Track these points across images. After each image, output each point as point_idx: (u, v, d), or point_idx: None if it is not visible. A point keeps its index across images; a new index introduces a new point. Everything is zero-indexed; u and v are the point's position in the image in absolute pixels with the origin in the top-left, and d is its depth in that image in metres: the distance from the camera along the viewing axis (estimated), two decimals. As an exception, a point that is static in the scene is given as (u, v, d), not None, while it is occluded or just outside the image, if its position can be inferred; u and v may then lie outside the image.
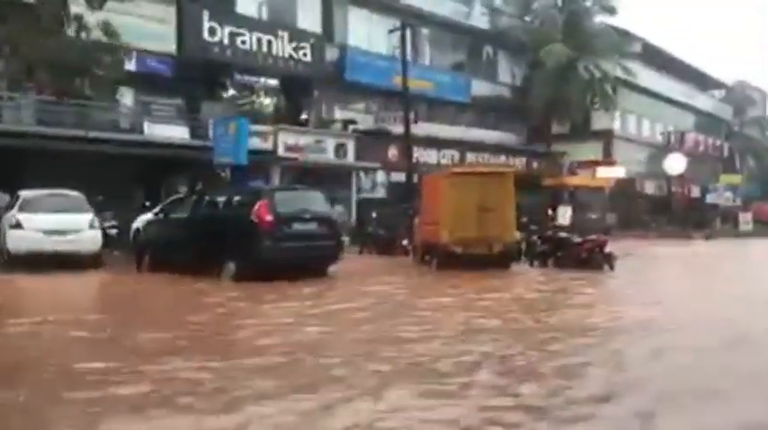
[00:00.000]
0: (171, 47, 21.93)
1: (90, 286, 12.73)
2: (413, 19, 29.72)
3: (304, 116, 26.47)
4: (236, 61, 23.56)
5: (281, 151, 23.22)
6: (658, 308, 9.24)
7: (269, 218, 12.05)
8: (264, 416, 4.37)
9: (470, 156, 30.78)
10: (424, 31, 31.28)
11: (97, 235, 14.90)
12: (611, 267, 14.66)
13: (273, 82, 25.05)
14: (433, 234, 15.27)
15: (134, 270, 14.40)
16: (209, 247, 12.52)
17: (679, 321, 8.18)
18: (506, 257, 15.06)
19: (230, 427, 4.21)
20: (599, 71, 34.65)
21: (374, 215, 22.07)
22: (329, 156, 24.87)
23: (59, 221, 14.14)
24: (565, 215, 32.05)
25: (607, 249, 14.78)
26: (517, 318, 8.47)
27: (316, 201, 13.03)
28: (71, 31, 17.90)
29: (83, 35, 18.28)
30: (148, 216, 16.59)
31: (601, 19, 35.88)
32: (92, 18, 17.75)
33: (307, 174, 24.93)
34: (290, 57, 24.82)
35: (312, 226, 12.60)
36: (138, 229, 17.29)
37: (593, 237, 15.19)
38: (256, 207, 12.10)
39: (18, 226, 14.07)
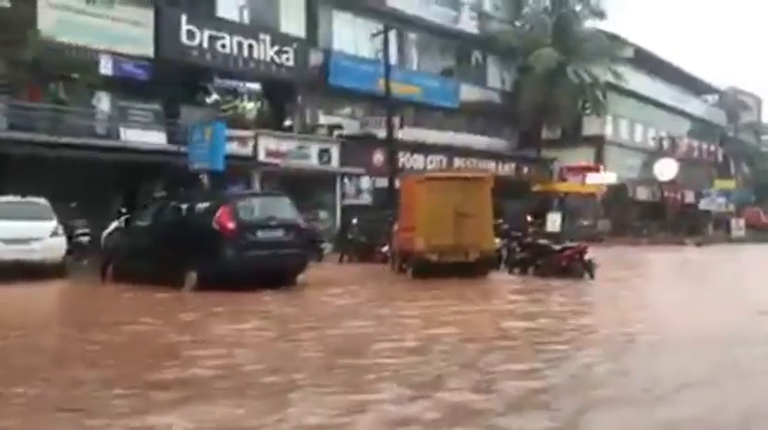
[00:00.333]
0: (148, 50, 21.46)
1: (35, 298, 12.07)
2: (399, 23, 29.43)
3: (288, 122, 26.01)
4: (216, 65, 23.12)
5: (261, 157, 22.77)
6: (629, 323, 8.71)
7: (231, 225, 11.59)
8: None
9: (458, 162, 30.37)
10: (411, 35, 30.91)
11: (61, 243, 14.44)
12: (592, 275, 14.22)
13: (255, 86, 24.63)
14: (409, 241, 14.81)
15: (98, 280, 13.93)
16: (171, 256, 12.05)
17: (649, 340, 7.57)
18: (484, 265, 14.61)
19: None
20: (589, 76, 34.28)
21: (354, 222, 21.61)
22: (313, 161, 24.43)
23: (20, 229, 13.66)
24: (554, 222, 31.80)
25: (587, 256, 14.32)
26: (473, 334, 7.74)
27: (282, 207, 12.55)
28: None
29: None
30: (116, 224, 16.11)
31: (591, 23, 35.55)
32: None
33: (290, 180, 24.53)
34: (273, 61, 24.36)
35: (278, 233, 12.14)
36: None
37: (573, 244, 14.75)
38: (218, 214, 11.65)
39: (-24, 234, 13.58)
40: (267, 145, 23.05)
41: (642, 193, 40.13)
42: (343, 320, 8.76)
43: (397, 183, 22.21)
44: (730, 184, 44.44)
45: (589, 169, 35.70)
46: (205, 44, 22.58)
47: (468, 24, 32.81)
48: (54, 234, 14.32)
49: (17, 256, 13.45)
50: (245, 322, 8.65)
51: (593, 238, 32.74)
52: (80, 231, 17.77)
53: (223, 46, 23.02)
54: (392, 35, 29.45)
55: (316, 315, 9.26)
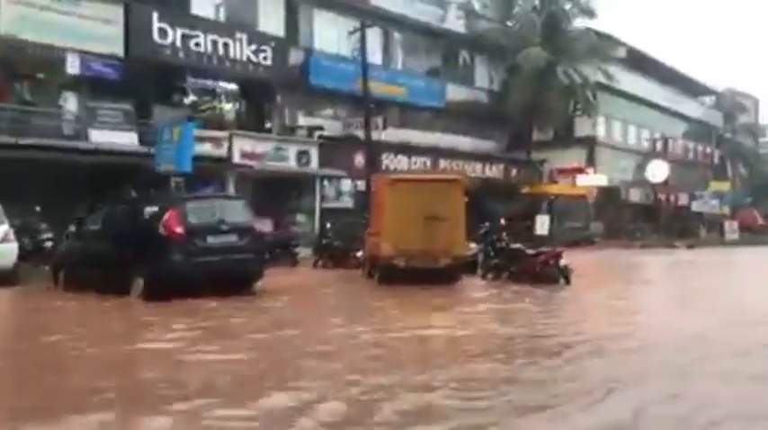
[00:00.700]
0: (118, 49, 20.80)
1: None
2: (383, 22, 28.84)
3: (269, 125, 25.35)
4: (190, 64, 22.44)
5: (236, 158, 22.09)
6: (581, 334, 8.03)
7: (178, 229, 10.93)
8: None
9: (444, 163, 29.68)
10: (396, 35, 30.26)
11: (12, 249, 13.78)
12: (568, 281, 13.56)
13: (231, 86, 23.97)
14: (377, 246, 14.14)
15: (51, 287, 13.27)
16: (119, 262, 11.42)
17: (612, 359, 6.87)
18: (455, 271, 13.94)
19: None
20: (579, 76, 33.61)
21: (329, 225, 20.95)
22: (290, 163, 23.76)
23: (-34, 235, 13.01)
24: (543, 224, 31.11)
25: (563, 261, 13.64)
26: (398, 361, 6.72)
27: (236, 210, 11.88)
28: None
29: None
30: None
31: (581, 22, 34.84)
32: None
33: (267, 183, 23.90)
34: (250, 60, 23.68)
35: (231, 238, 11.46)
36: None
37: (547, 248, 14.07)
38: (165, 218, 10.98)
39: None
40: (242, 146, 22.37)
41: (636, 196, 39.43)
42: (271, 336, 8.11)
43: (375, 186, 21.62)
44: (725, 186, 43.75)
45: (579, 171, 34.99)
46: (178, 42, 21.90)
47: (455, 23, 32.13)
48: (5, 239, 13.66)
49: (-37, 263, 12.79)
50: (168, 333, 8.04)
51: (584, 241, 32.15)
52: (44, 236, 17.14)
53: (197, 44, 22.34)
54: (376, 34, 28.97)
55: (248, 328, 8.56)
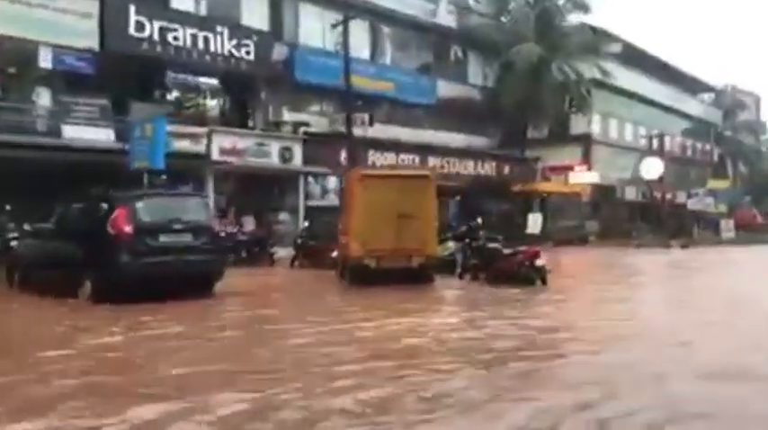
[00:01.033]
0: (93, 43, 20.28)
1: None
2: (372, 16, 28.30)
3: (251, 124, 24.80)
4: (169, 59, 21.91)
5: (215, 155, 21.55)
6: (568, 352, 7.41)
7: (127, 229, 10.37)
8: None
9: (433, 161, 29.12)
10: (385, 29, 29.66)
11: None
12: (544, 282, 12.99)
13: (211, 81, 23.43)
14: (347, 245, 13.58)
15: (6, 288, 12.75)
16: (72, 263, 10.90)
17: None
18: (428, 271, 13.37)
19: None
20: (573, 72, 32.98)
21: (306, 224, 20.40)
22: (273, 160, 23.20)
23: None
24: (536, 222, 30.55)
25: (540, 262, 13.05)
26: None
27: (192, 208, 11.31)
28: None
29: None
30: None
31: (575, 17, 34.19)
32: None
33: (248, 180, 23.40)
34: (231, 55, 23.12)
35: (185, 237, 10.90)
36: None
37: (524, 248, 13.48)
38: (113, 216, 10.43)
39: None
40: (222, 142, 21.83)
41: (632, 194, 38.77)
42: (208, 344, 7.55)
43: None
44: (723, 184, 43.05)
45: (569, 168, 34.38)
46: (156, 36, 21.37)
47: (447, 18, 31.58)
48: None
49: None
50: (93, 339, 7.53)
51: (578, 240, 31.56)
52: (10, 235, 16.64)
53: (176, 38, 21.80)
54: (363, 29, 28.44)
55: (177, 335, 7.98)
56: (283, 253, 19.65)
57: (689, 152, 48.57)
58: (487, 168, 31.68)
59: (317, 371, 5.96)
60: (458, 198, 31.05)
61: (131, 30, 20.86)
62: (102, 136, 20.43)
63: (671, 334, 8.13)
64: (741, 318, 9.37)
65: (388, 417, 4.62)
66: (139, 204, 10.73)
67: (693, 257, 23.80)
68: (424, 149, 29.00)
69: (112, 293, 10.12)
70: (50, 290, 11.02)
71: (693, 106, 49.76)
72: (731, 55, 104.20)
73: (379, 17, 28.86)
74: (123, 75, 21.06)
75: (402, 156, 27.92)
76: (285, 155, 23.51)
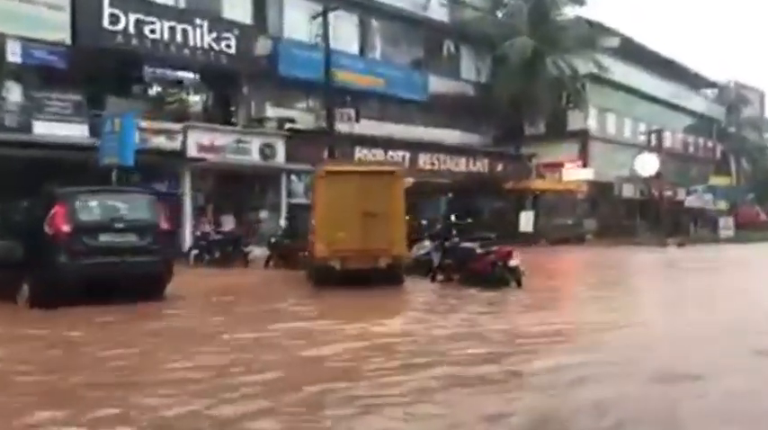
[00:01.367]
0: (65, 36, 19.67)
1: None
2: (360, 10, 27.71)
3: (235, 120, 24.17)
4: (145, 53, 21.28)
5: (192, 152, 20.91)
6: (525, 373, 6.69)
7: (65, 228, 9.76)
8: None
9: (423, 158, 28.51)
10: (374, 23, 28.97)
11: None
12: (519, 283, 12.30)
13: (186, 75, 22.80)
14: (312, 245, 12.94)
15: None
16: (11, 264, 10.31)
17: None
18: (396, 273, 12.71)
19: None
20: (569, 67, 32.22)
21: (281, 223, 19.75)
22: (253, 157, 22.55)
23: None
24: (528, 221, 29.86)
25: (513, 262, 12.36)
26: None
27: (139, 206, 10.66)
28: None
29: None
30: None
31: (570, 10, 33.39)
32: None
33: (229, 177, 22.80)
34: (211, 48, 22.49)
35: (129, 237, 10.26)
36: None
37: (496, 247, 12.78)
38: (51, 214, 9.81)
39: None
40: (199, 139, 21.19)
41: (631, 191, 37.93)
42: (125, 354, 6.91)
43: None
44: (725, 181, 42.13)
45: (561, 165, 33.62)
46: (131, 29, 20.75)
47: (439, 11, 30.88)
48: None
49: None
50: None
51: (575, 239, 30.80)
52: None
53: (152, 31, 21.17)
54: (352, 23, 27.82)
55: (105, 342, 7.37)
56: (261, 253, 19.02)
57: (691, 149, 47.68)
58: (480, 165, 30.99)
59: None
60: (449, 196, 30.44)
61: (105, 22, 20.25)
62: (76, 132, 19.83)
63: (629, 342, 7.45)
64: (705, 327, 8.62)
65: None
66: (79, 202, 10.10)
67: (688, 256, 23.03)
68: (415, 146, 28.33)
69: (50, 297, 9.52)
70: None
71: (696, 102, 48.84)
72: (735, 50, 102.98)
73: (368, 11, 28.24)
74: (98, 69, 20.44)
75: (391, 152, 27.22)
76: (266, 152, 22.87)
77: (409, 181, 28.89)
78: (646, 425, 4.57)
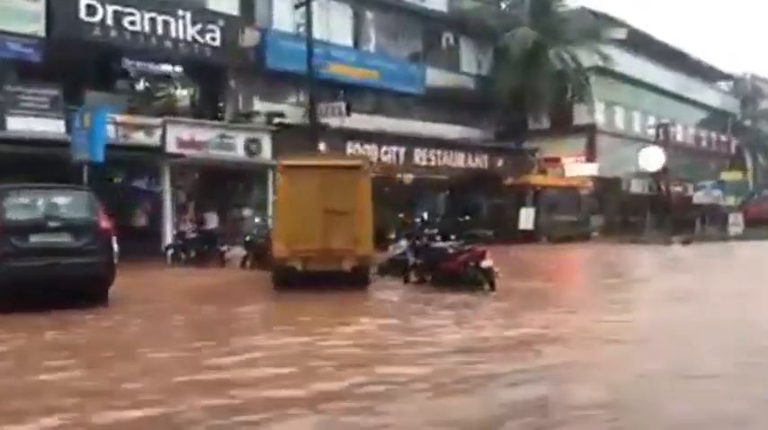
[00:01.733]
0: (39, 28, 19.05)
1: None
2: (353, 1, 26.88)
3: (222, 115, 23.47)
4: (125, 45, 20.61)
5: (172, 147, 20.23)
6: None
7: (-8, 228, 9.08)
8: None
9: (419, 153, 27.66)
10: (369, 14, 28.14)
11: None
12: (492, 286, 11.48)
13: (169, 68, 22.11)
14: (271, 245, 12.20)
15: None
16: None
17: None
18: (362, 274, 11.93)
19: None
20: (572, 59, 31.22)
21: (257, 221, 19.04)
22: (238, 152, 21.85)
23: None
24: (528, 218, 28.94)
25: (486, 263, 11.53)
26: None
27: (75, 204, 9.94)
28: None
29: None
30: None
31: (574, 1, 32.38)
32: None
33: (212, 174, 22.15)
34: (195, 40, 21.78)
35: (63, 238, 9.56)
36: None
37: (468, 247, 11.96)
38: (-25, 214, 9.14)
39: None
40: (179, 134, 20.49)
41: (638, 186, 36.83)
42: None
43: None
44: (736, 176, 40.83)
45: (557, 160, 32.63)
46: (109, 21, 20.07)
47: (437, 2, 29.96)
48: None
49: None
50: None
51: (579, 236, 29.79)
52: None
53: (132, 23, 20.48)
54: (345, 15, 27.06)
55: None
56: (241, 252, 18.30)
57: (704, 143, 46.45)
58: (479, 161, 30.07)
59: None
60: (447, 192, 29.63)
61: (82, 14, 19.59)
62: (52, 127, 19.22)
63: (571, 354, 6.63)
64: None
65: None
66: (8, 200, 9.42)
67: (691, 255, 22.02)
68: (410, 141, 27.50)
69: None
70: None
71: (709, 95, 47.53)
72: (750, 42, 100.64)
73: (361, 1, 27.43)
74: (76, 62, 19.86)
75: (385, 148, 26.49)
76: (252, 147, 22.14)
77: (409, 177, 28.40)
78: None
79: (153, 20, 20.94)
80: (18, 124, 18.79)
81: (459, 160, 29.24)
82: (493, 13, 31.42)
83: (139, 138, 19.93)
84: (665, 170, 32.95)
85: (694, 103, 44.69)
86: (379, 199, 26.12)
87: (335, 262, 11.63)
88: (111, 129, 19.26)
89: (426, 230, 12.95)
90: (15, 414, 4.73)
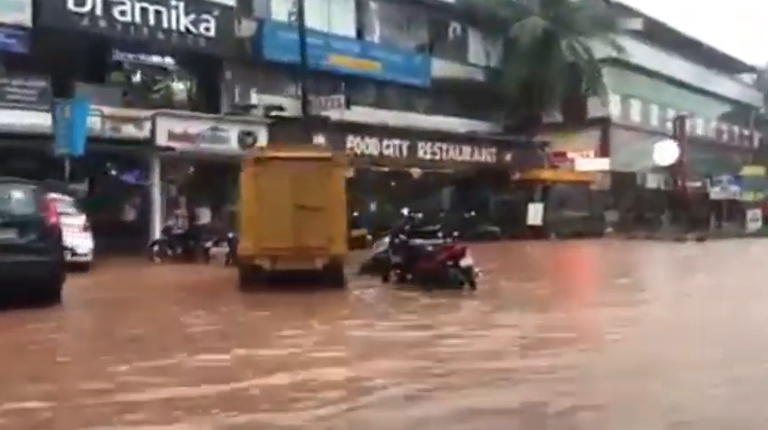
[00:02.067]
0: (25, 18, 18.59)
1: None
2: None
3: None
4: (115, 36, 20.11)
5: (162, 140, 19.70)
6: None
7: (-74, 224, 8.54)
8: None
9: (423, 147, 26.90)
10: (372, 4, 27.42)
11: None
12: (473, 286, 10.76)
13: (162, 60, 21.58)
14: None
15: None
16: None
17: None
18: (336, 274, 11.24)
19: None
20: (584, 50, 30.22)
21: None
22: (231, 145, 21.26)
23: None
24: (536, 214, 28.07)
25: (466, 261, 10.80)
26: None
27: (19, 199, 9.36)
28: None
29: None
30: None
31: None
32: None
33: (205, 168, 21.64)
34: (188, 31, 21.23)
35: (7, 234, 8.99)
36: None
37: (448, 244, 11.22)
38: None
39: None
40: (170, 127, 19.96)
41: (654, 181, 35.75)
42: None
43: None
44: (760, 171, 39.53)
45: (563, 154, 31.68)
46: (98, 11, 19.56)
47: (443, -9, 29.14)
48: None
49: None
50: None
51: (591, 232, 28.84)
52: None
53: (122, 13, 19.97)
54: (348, 4, 26.37)
55: None
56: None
57: (725, 137, 45.15)
58: (486, 155, 29.22)
59: None
60: (452, 187, 28.87)
61: (70, 3, 19.08)
62: (39, 120, 18.74)
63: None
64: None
65: None
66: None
67: (703, 253, 21.04)
68: (414, 134, 26.74)
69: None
70: None
71: (730, 88, 46.07)
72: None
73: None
74: (66, 53, 19.41)
75: (387, 141, 25.78)
76: (247, 140, 21.55)
77: (417, 171, 27.65)
78: None
79: (144, 9, 20.40)
80: (4, 117, 18.37)
81: (465, 154, 28.42)
82: (502, 2, 30.41)
83: (129, 131, 19.45)
84: (680, 164, 31.84)
85: (715, 96, 43.39)
86: (385, 193, 26.22)
87: (307, 260, 10.96)
88: (97, 122, 18.89)
89: (407, 227, 12.15)
90: None
